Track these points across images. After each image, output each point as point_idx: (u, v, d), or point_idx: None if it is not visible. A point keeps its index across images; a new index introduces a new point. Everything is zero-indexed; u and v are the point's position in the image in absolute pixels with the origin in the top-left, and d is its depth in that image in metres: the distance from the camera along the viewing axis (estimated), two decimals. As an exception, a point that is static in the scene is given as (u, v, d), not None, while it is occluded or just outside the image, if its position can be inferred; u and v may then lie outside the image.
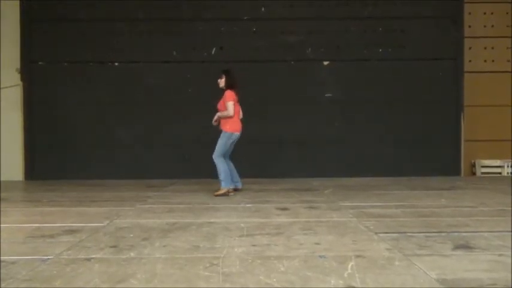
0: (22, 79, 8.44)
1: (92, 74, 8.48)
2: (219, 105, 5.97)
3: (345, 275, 2.43)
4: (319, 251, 2.95)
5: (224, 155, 5.92)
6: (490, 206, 4.80)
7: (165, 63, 8.53)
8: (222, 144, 5.83)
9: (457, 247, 3.03)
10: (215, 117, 5.98)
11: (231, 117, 5.83)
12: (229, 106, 5.79)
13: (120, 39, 8.49)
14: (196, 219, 4.17)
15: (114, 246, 3.11)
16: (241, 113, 6.14)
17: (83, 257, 2.85)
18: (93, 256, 2.86)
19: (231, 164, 6.08)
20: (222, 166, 5.79)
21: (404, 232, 3.52)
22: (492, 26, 8.64)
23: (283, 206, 4.90)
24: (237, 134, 5.92)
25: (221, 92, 5.97)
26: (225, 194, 5.74)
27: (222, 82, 5.98)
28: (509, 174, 8.54)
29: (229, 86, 5.92)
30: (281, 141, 8.48)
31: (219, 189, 5.80)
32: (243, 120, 6.10)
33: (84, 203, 5.34)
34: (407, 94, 8.54)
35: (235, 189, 6.04)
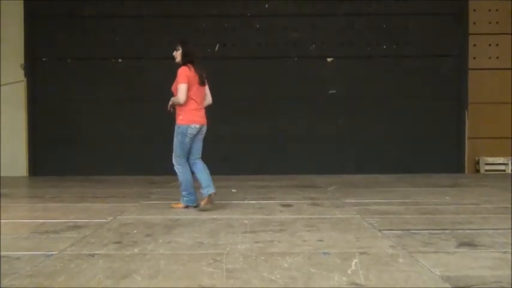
0: (26, 75, 8.45)
1: (95, 70, 8.47)
2: (173, 88, 4.61)
3: (349, 271, 2.42)
4: (322, 247, 2.95)
5: (186, 157, 4.56)
6: (494, 204, 4.78)
7: (169, 60, 8.48)
8: (177, 143, 4.51)
9: (461, 244, 3.02)
10: (170, 103, 4.59)
11: (181, 105, 4.43)
12: (180, 90, 4.36)
13: (123, 35, 8.47)
14: (199, 215, 4.18)
15: (118, 242, 3.12)
16: (209, 97, 4.63)
17: (86, 252, 2.85)
18: (97, 252, 2.86)
19: (199, 166, 4.54)
20: (182, 175, 4.50)
21: (408, 229, 3.51)
22: (497, 22, 8.58)
23: (287, 203, 4.89)
24: (196, 126, 4.46)
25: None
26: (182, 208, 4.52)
27: (178, 55, 4.59)
28: (513, 172, 8.50)
29: (185, 60, 4.51)
30: (284, 137, 8.44)
31: (178, 202, 4.62)
32: (211, 108, 4.74)
33: (87, 199, 5.35)
34: (411, 91, 8.49)
35: (209, 197, 4.39)
